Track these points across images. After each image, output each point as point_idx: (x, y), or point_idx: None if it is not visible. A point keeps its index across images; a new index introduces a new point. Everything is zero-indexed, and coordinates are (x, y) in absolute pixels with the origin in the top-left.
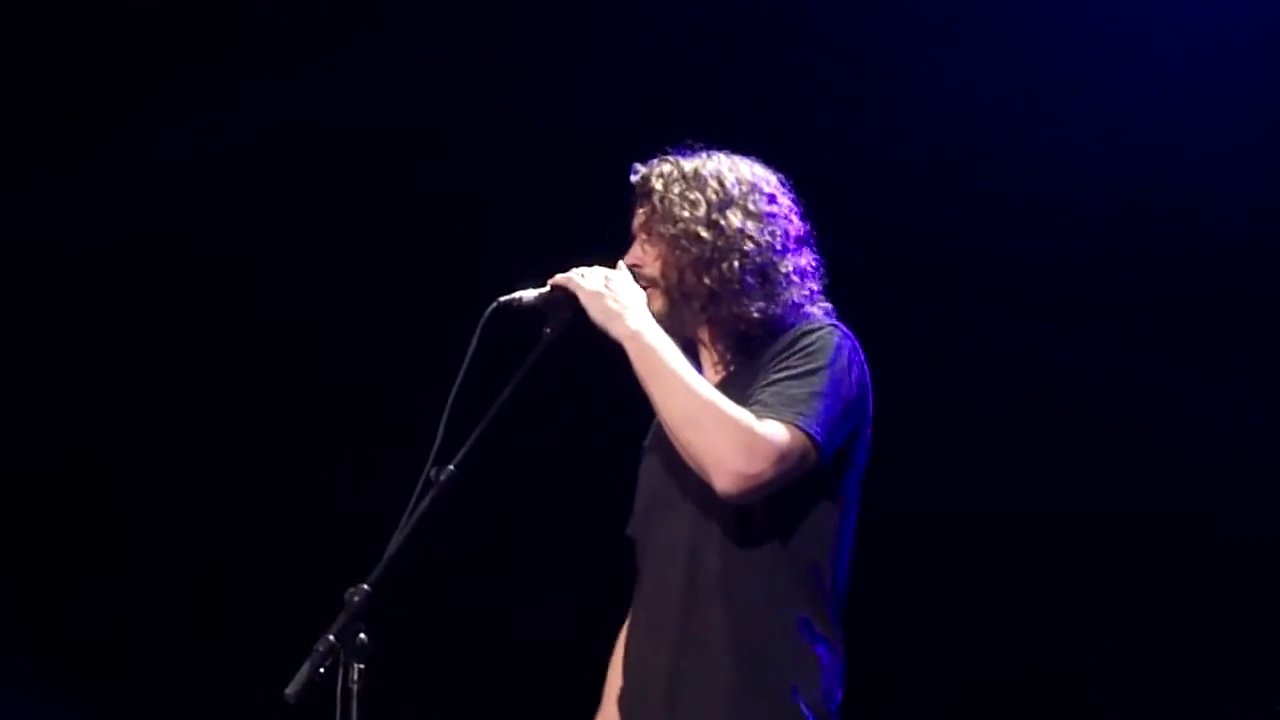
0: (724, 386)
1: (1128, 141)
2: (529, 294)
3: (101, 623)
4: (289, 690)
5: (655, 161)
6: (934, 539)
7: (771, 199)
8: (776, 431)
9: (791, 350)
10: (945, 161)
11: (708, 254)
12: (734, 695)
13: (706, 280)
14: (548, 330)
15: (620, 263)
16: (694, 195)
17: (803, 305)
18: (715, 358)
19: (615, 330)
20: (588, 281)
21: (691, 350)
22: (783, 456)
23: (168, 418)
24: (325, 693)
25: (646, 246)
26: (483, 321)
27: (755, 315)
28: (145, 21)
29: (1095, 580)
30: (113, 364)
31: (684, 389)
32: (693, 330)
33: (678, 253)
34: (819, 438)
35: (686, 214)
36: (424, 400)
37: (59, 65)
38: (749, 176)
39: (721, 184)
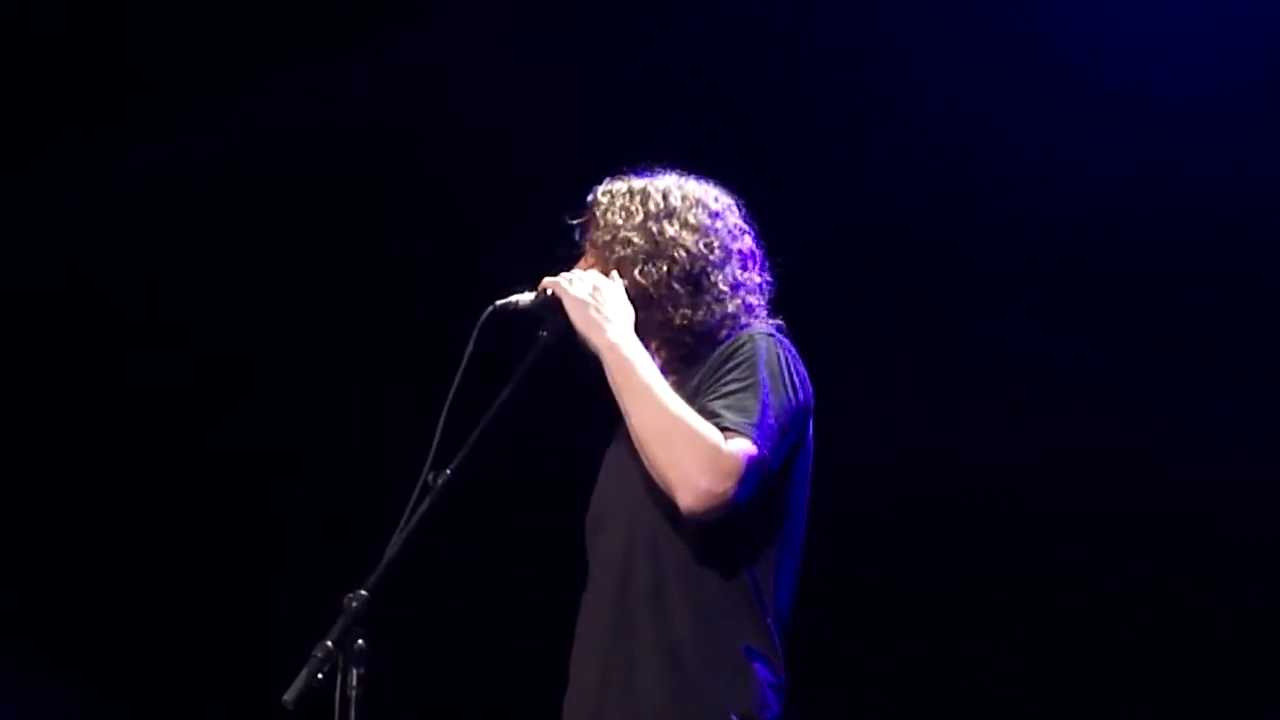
0: None
1: (1128, 142)
2: (525, 297)
3: (101, 627)
4: (287, 696)
5: (608, 179)
6: (933, 539)
7: (716, 215)
8: (744, 449)
9: (733, 361)
10: (943, 162)
11: (639, 257)
12: (661, 712)
13: (638, 278)
14: (544, 333)
15: (614, 272)
16: (634, 206)
17: (739, 317)
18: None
19: (595, 340)
20: (575, 288)
21: None
22: (748, 474)
23: (166, 419)
24: (324, 699)
25: (588, 258)
26: (479, 325)
27: (681, 322)
28: (145, 21)
29: (1095, 581)
30: (112, 364)
31: (656, 404)
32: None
33: (608, 254)
34: (767, 452)
35: (621, 221)
36: (421, 404)
37: (59, 65)
38: (695, 193)
39: (665, 198)
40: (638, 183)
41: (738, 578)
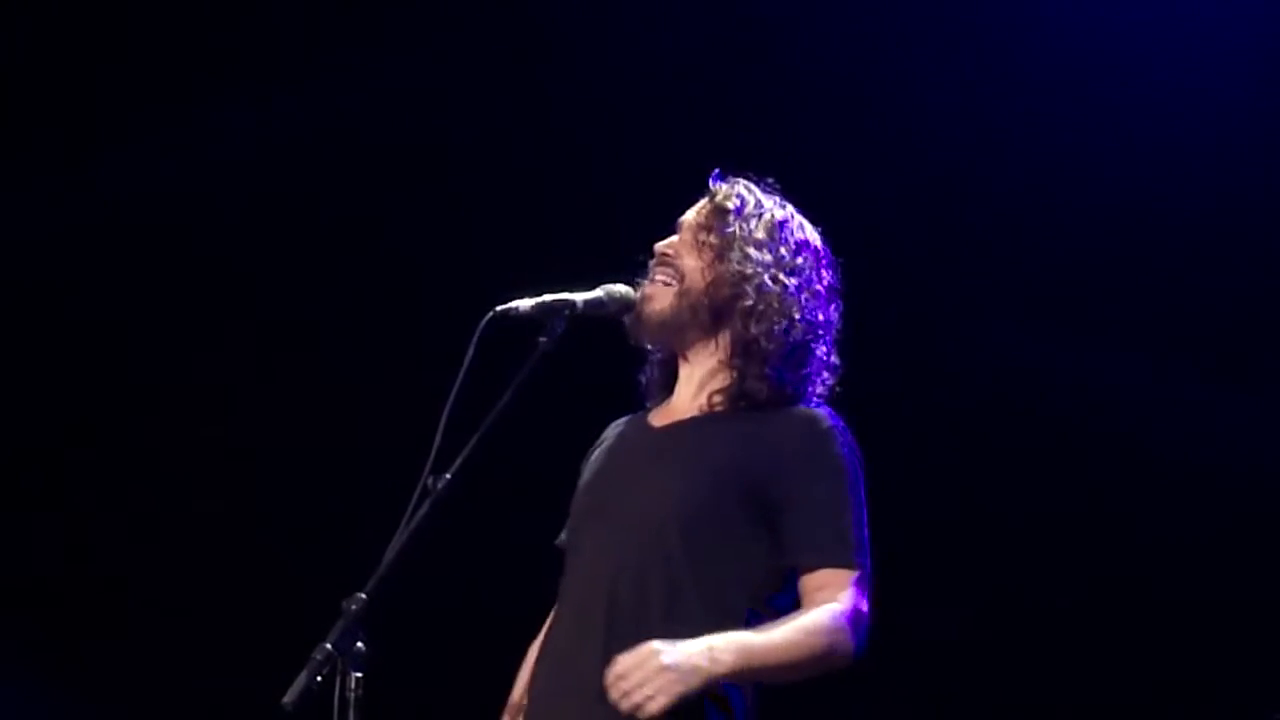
0: (702, 423)
1: (1129, 144)
2: (525, 304)
3: (101, 627)
4: (286, 699)
5: (741, 183)
6: (933, 541)
7: (829, 283)
8: (854, 597)
9: (823, 464)
10: (945, 166)
11: (755, 304)
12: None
13: (751, 329)
14: (543, 339)
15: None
16: (772, 248)
17: (809, 392)
18: (699, 389)
19: (722, 675)
20: (673, 684)
21: (670, 367)
22: (866, 600)
23: (166, 420)
24: (323, 701)
25: (690, 248)
26: (479, 331)
27: (764, 379)
28: (147, 23)
29: (1095, 583)
30: (112, 366)
31: (792, 658)
32: (679, 345)
33: (728, 288)
34: (866, 563)
35: (752, 267)
36: (421, 409)
37: (60, 65)
38: (818, 248)
39: (798, 248)
40: (771, 206)
41: (736, 604)
